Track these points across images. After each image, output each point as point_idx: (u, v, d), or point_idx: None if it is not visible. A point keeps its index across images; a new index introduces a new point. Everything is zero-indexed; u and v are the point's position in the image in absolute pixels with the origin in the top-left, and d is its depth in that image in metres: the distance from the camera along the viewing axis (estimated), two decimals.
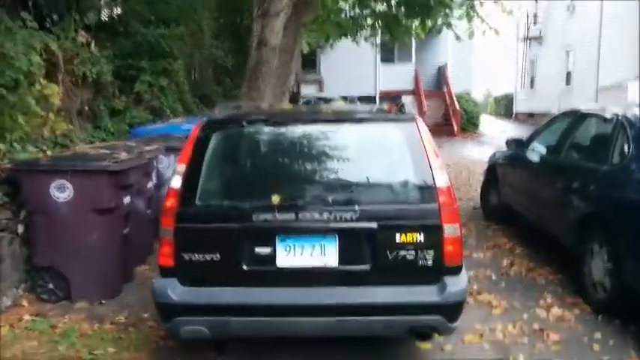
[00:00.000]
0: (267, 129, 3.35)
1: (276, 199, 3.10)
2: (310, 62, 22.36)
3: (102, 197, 4.67)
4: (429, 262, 3.10)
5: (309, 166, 3.24)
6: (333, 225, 3.10)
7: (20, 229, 4.77)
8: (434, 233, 3.09)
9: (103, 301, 4.67)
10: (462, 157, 14.69)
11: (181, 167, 3.20)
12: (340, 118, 3.46)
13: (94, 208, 4.64)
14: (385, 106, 3.42)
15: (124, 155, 4.91)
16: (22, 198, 4.69)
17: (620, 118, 4.72)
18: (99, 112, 7.69)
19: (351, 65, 21.69)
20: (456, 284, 3.09)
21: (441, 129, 21.15)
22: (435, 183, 3.11)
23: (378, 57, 20.72)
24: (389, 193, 3.19)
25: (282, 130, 3.35)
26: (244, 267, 3.14)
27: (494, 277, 5.20)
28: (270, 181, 3.25)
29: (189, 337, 3.19)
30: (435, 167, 3.12)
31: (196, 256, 3.14)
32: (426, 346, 3.67)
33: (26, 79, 5.47)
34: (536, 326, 4.07)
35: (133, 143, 5.92)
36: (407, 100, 4.01)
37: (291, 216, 3.11)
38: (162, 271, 3.23)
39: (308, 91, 22.12)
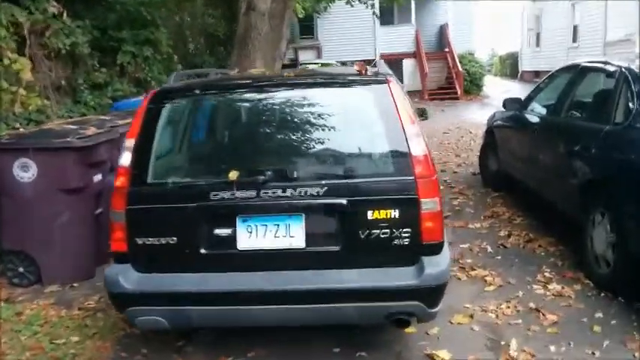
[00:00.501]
0: (223, 97, 3.02)
1: (233, 175, 2.79)
2: (308, 28, 21.75)
3: (68, 176, 4.40)
4: (406, 241, 2.80)
5: (271, 138, 2.92)
6: (298, 202, 2.79)
7: None
8: (410, 208, 2.78)
9: (75, 285, 4.44)
10: (463, 121, 14.26)
11: (130, 143, 2.90)
12: (305, 82, 3.10)
13: (61, 187, 4.37)
14: (356, 67, 3.05)
15: (92, 130, 4.61)
16: None
17: (623, 71, 4.26)
18: (77, 87, 7.35)
19: (350, 30, 21.08)
20: (436, 265, 2.79)
21: (445, 92, 20.63)
22: (410, 152, 2.78)
23: (377, 20, 20.06)
24: (359, 165, 2.87)
25: (241, 97, 3.02)
26: (203, 251, 2.85)
27: (490, 250, 4.89)
28: (228, 155, 2.95)
29: (146, 328, 2.94)
30: (411, 135, 2.79)
31: (151, 240, 2.86)
32: (409, 330, 3.40)
33: None
34: (532, 305, 3.76)
35: (108, 117, 5.61)
36: (381, 62, 3.61)
37: (251, 193, 2.81)
38: (116, 257, 2.96)
39: (306, 57, 21.60)
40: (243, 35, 7.31)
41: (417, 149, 2.79)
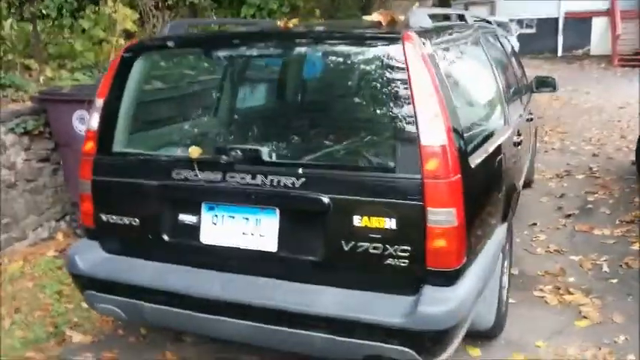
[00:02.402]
0: (202, 55, 2.44)
1: (194, 151, 2.24)
2: None
3: None
4: (403, 263, 2.03)
5: (248, 107, 2.29)
6: (270, 194, 2.16)
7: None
8: (411, 219, 1.99)
9: None
10: None
11: (99, 103, 2.48)
12: (295, 37, 2.36)
13: None
14: (378, 16, 2.23)
15: None
16: (51, 129, 4.46)
17: None
18: None
19: None
20: (441, 302, 1.97)
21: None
22: (419, 141, 1.96)
23: None
24: (349, 152, 2.13)
25: (221, 55, 2.40)
26: (166, 238, 2.38)
27: (605, 269, 3.73)
28: (198, 126, 2.38)
29: (106, 315, 2.59)
30: (423, 115, 1.96)
31: (114, 219, 2.47)
32: None
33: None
34: (631, 359, 2.71)
35: None
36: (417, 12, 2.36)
37: (216, 176, 2.23)
38: (86, 232, 2.63)
39: (477, 13, 19.71)
40: None
41: (431, 137, 1.96)
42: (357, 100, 2.22)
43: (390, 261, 2.04)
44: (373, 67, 2.11)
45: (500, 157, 2.61)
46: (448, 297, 1.99)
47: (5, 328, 3.12)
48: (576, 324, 3.08)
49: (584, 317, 3.14)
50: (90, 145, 2.50)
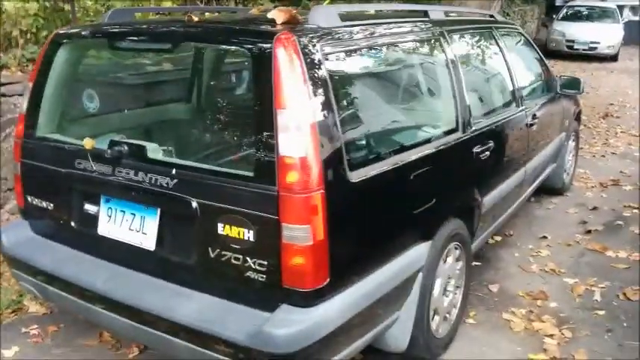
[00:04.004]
0: (112, 46, 2.41)
1: (88, 143, 2.24)
2: None
3: None
4: (261, 278, 1.92)
5: (142, 101, 2.26)
6: (150, 192, 2.12)
7: None
8: (268, 233, 1.87)
9: None
10: None
11: (29, 87, 2.55)
12: (182, 32, 2.20)
13: None
14: (277, 14, 2.07)
15: None
16: None
17: None
18: None
19: None
20: (289, 323, 1.84)
21: None
22: (277, 151, 1.82)
23: None
24: (219, 157, 2.03)
25: (126, 47, 2.36)
26: (73, 225, 2.43)
27: (597, 298, 3.31)
28: (110, 116, 2.38)
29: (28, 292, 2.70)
30: (284, 124, 1.81)
31: (36, 202, 2.55)
32: None
33: None
34: None
35: None
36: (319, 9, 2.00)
37: (107, 170, 2.23)
38: (20, 212, 2.74)
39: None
40: None
41: (290, 148, 1.81)
42: (228, 102, 2.11)
43: (250, 274, 1.93)
44: (244, 68, 1.99)
45: (426, 169, 2.37)
46: (299, 319, 1.86)
47: None
48: (531, 357, 2.79)
49: (544, 350, 2.83)
50: (20, 128, 2.59)
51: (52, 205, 2.49)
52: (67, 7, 4.81)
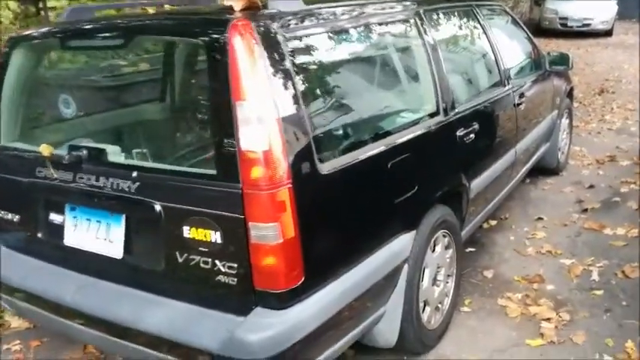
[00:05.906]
0: (63, 46, 2.30)
1: (45, 149, 2.14)
2: None
3: None
4: (232, 281, 1.82)
5: (105, 103, 2.15)
6: (113, 198, 2.02)
7: None
8: (235, 234, 1.77)
9: None
10: None
11: None
12: (134, 26, 2.09)
13: None
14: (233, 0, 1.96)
15: None
16: None
17: None
18: None
19: None
20: (261, 327, 1.75)
21: None
22: (239, 146, 1.71)
23: None
24: (179, 156, 1.92)
25: (80, 47, 2.25)
26: (40, 236, 2.33)
27: (595, 277, 3.21)
28: (72, 121, 2.27)
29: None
30: (244, 116, 1.70)
31: (2, 214, 2.45)
32: None
33: None
34: None
35: None
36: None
37: (68, 177, 2.13)
38: None
39: None
40: None
41: (252, 141, 1.70)
42: (189, 98, 2.00)
43: (220, 278, 1.84)
44: (201, 60, 1.88)
45: (405, 155, 2.27)
46: (274, 322, 1.76)
47: None
48: (528, 342, 2.69)
49: (541, 335, 2.73)
50: None
51: (17, 216, 2.39)
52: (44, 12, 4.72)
